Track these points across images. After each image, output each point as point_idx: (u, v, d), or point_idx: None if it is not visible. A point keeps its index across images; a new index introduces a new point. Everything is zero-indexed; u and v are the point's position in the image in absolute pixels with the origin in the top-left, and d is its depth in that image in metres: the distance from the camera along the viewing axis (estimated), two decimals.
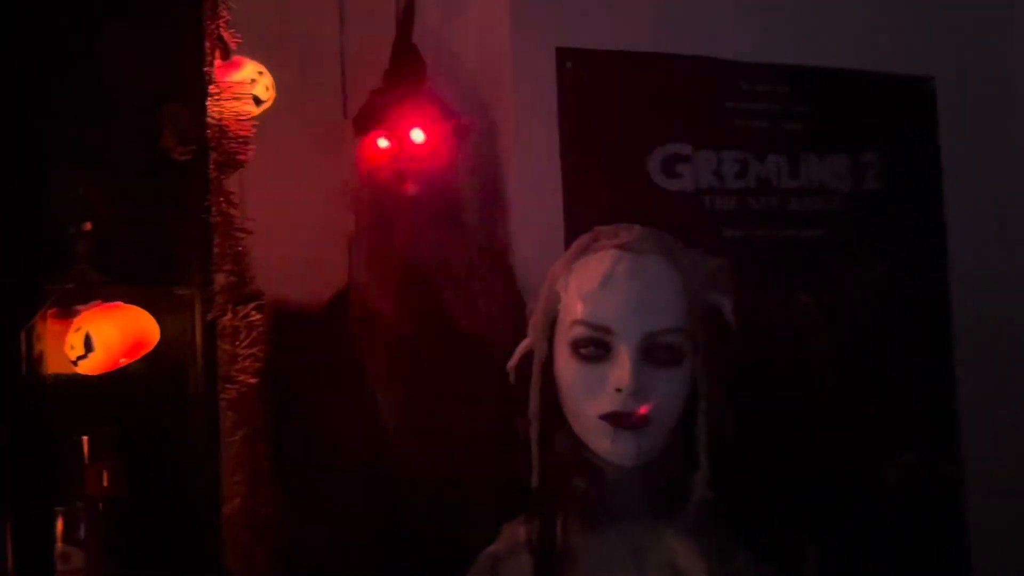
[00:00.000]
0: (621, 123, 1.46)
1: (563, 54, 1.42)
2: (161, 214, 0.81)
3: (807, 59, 1.59)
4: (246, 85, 0.90)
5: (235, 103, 0.87)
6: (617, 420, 0.90)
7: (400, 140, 1.29)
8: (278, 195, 1.22)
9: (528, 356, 1.01)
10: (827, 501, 1.47)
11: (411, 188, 1.29)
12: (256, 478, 0.85)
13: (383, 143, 1.30)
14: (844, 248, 1.63)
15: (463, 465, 1.22)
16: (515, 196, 1.40)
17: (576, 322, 0.93)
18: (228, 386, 0.83)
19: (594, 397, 0.92)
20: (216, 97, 0.85)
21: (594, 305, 0.93)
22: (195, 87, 0.82)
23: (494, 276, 1.35)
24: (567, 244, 1.39)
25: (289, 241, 1.22)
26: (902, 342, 1.69)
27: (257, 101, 0.92)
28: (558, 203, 1.41)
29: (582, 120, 1.43)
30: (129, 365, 0.75)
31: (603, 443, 0.92)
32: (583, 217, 1.39)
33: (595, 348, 0.92)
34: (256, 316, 0.85)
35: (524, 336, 1.09)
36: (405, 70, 1.34)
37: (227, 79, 0.87)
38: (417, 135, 1.30)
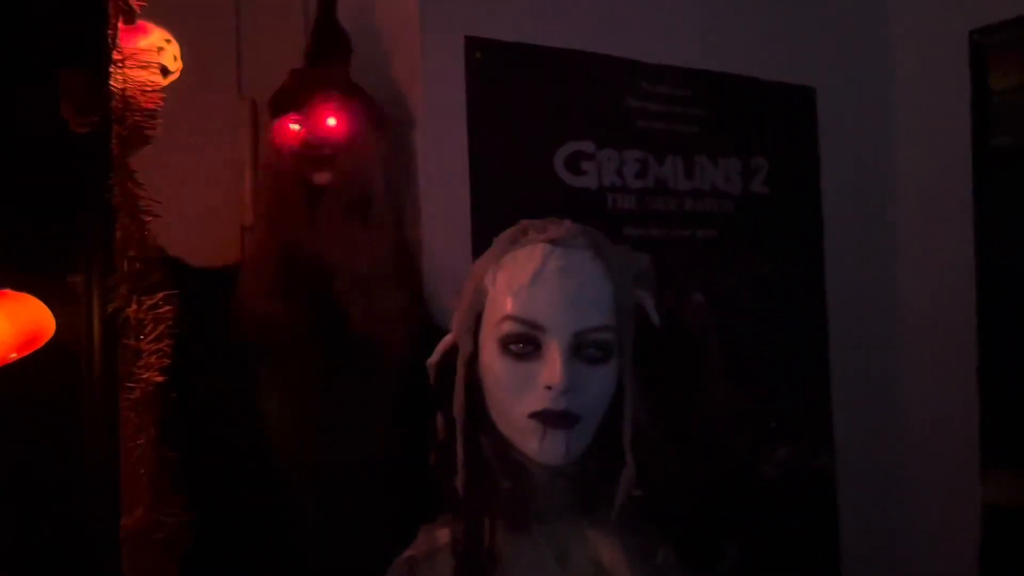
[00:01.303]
0: (529, 118, 1.44)
1: (473, 43, 1.39)
2: (57, 193, 0.72)
3: (705, 64, 1.63)
4: (153, 53, 0.81)
5: (141, 72, 0.78)
6: (547, 419, 0.88)
7: (313, 125, 1.22)
8: (166, 176, 1.12)
9: (450, 353, 0.97)
10: (720, 496, 1.52)
11: (321, 177, 1.22)
12: (161, 487, 0.77)
13: (295, 127, 1.23)
14: (734, 249, 1.68)
15: (369, 469, 1.17)
16: (424, 190, 1.35)
17: (506, 318, 0.91)
18: (130, 385, 0.75)
19: (523, 395, 0.89)
20: (120, 65, 0.76)
21: (525, 301, 0.90)
22: (97, 52, 0.73)
23: (400, 273, 1.30)
24: (475, 239, 1.38)
25: (177, 227, 1.12)
26: (782, 340, 1.77)
27: (164, 72, 0.84)
28: (466, 197, 1.38)
29: (491, 113, 1.40)
30: (19, 361, 0.66)
31: (532, 442, 0.90)
32: (491, 212, 1.38)
33: (525, 345, 0.90)
34: (164, 308, 0.78)
35: (428, 335, 1.06)
36: (327, 50, 1.27)
37: (132, 45, 0.78)
38: (332, 121, 1.23)
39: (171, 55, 0.85)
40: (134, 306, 0.76)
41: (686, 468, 1.00)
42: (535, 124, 1.45)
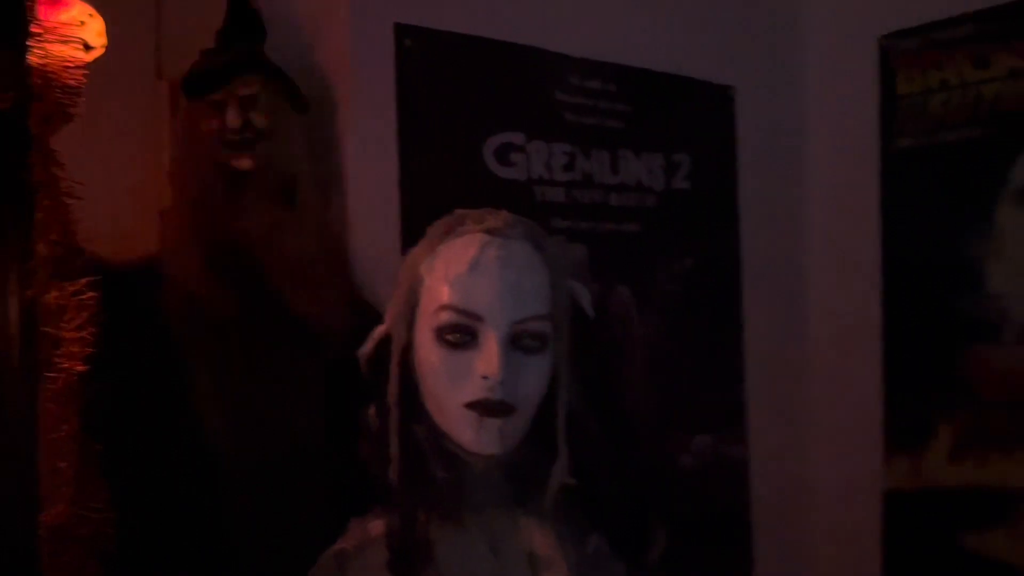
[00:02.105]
0: (459, 107, 1.44)
1: (402, 31, 1.37)
2: None
3: (630, 60, 1.66)
4: (74, 27, 0.77)
5: (62, 47, 0.74)
6: (483, 408, 0.88)
7: (231, 109, 1.18)
8: (81, 158, 1.07)
9: (384, 343, 0.96)
10: (645, 484, 1.55)
11: (241, 162, 1.19)
12: (83, 480, 0.73)
13: (212, 110, 1.18)
14: (656, 242, 1.72)
15: (300, 461, 1.14)
16: (351, 177, 1.33)
17: (442, 307, 0.90)
18: (51, 375, 0.71)
19: (459, 385, 0.89)
20: (39, 38, 0.72)
21: (462, 290, 0.90)
22: (14, 25, 0.69)
23: (328, 260, 1.28)
24: (404, 228, 1.36)
25: (93, 211, 1.07)
26: (700, 333, 1.82)
27: (87, 47, 0.80)
28: (394, 186, 1.37)
29: (420, 101, 1.39)
30: None
31: (467, 432, 0.90)
32: (420, 201, 1.36)
33: (461, 335, 0.89)
34: (87, 294, 0.74)
35: (359, 323, 1.05)
36: (241, 30, 1.23)
37: (52, 19, 0.74)
38: (251, 104, 1.19)
39: (94, 30, 0.81)
40: (54, 292, 0.72)
41: (618, 457, 1.01)
42: (465, 114, 1.45)
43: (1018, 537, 1.63)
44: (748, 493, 1.87)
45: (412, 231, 1.01)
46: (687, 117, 1.78)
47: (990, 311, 1.68)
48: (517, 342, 0.90)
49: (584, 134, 1.60)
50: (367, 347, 0.97)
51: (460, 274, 0.90)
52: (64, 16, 0.77)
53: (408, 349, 0.94)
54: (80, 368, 0.75)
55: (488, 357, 0.88)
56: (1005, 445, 1.66)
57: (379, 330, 0.97)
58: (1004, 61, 1.65)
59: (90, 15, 0.81)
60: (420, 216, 1.03)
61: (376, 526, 0.94)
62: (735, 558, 1.85)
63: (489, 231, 0.93)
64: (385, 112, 1.36)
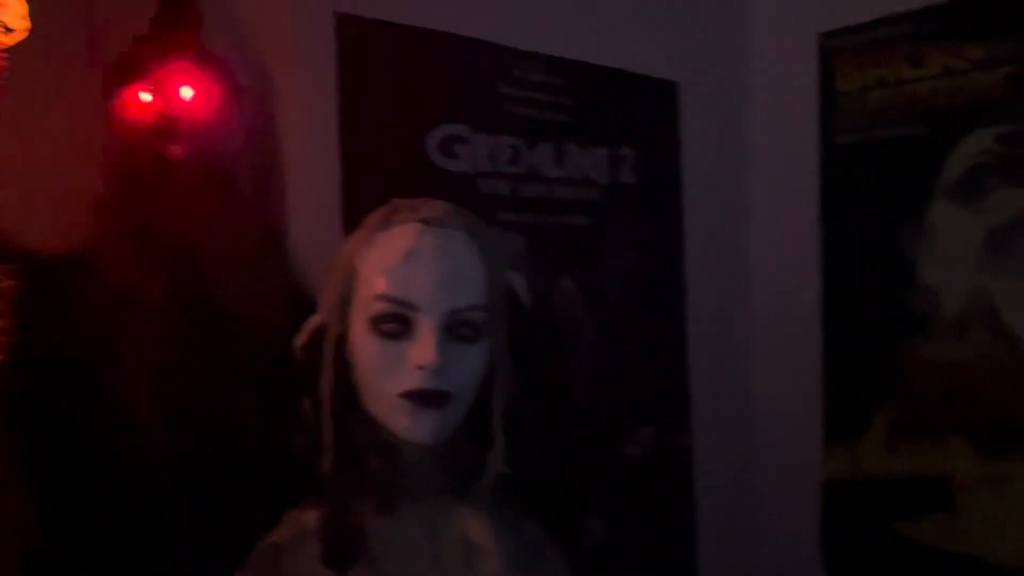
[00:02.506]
0: (402, 99, 1.43)
1: (344, 20, 1.36)
2: None
3: (575, 53, 1.66)
4: None
5: None
6: (419, 398, 0.88)
7: (167, 96, 1.16)
8: (8, 146, 1.04)
9: (319, 333, 0.95)
10: (586, 473, 1.56)
11: (176, 151, 1.16)
12: (3, 476, 0.71)
13: (146, 97, 1.16)
14: (602, 236, 1.73)
15: (232, 454, 1.13)
16: (291, 168, 1.32)
17: (377, 297, 0.90)
18: None
19: (394, 375, 0.89)
20: None
21: (398, 280, 0.90)
22: None
23: (265, 252, 1.26)
24: (345, 220, 1.35)
25: (20, 200, 1.05)
26: (645, 325, 1.83)
27: (7, 30, 0.77)
28: (335, 177, 1.36)
29: (362, 92, 1.38)
30: None
31: (402, 422, 0.90)
32: (362, 193, 1.35)
33: (397, 324, 0.89)
34: (5, 283, 0.71)
35: (296, 315, 1.04)
36: (176, 17, 1.20)
37: None
38: (186, 92, 1.17)
39: (16, 12, 0.79)
40: None
41: (555, 446, 1.02)
42: (408, 105, 1.44)
43: (951, 524, 1.68)
44: (692, 483, 1.90)
45: (353, 223, 1.00)
46: (632, 111, 1.79)
47: (924, 304, 1.72)
48: (453, 332, 0.90)
49: (529, 127, 1.60)
50: (301, 338, 0.96)
51: (395, 264, 0.90)
52: None
53: (343, 339, 0.93)
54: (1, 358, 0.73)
55: (424, 347, 0.88)
56: (938, 434, 1.70)
57: (313, 321, 0.96)
58: (938, 60, 1.69)
59: None
60: (362, 208, 1.03)
61: (310, 518, 0.93)
62: (679, 545, 1.88)
63: (425, 221, 0.92)
64: (326, 102, 1.35)
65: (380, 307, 0.90)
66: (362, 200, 1.27)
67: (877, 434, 1.80)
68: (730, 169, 1.97)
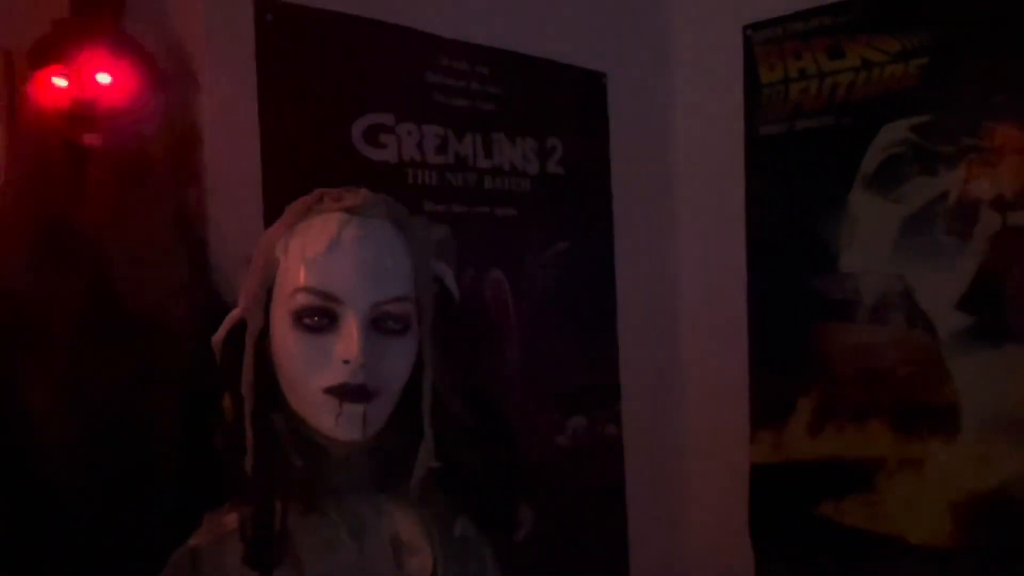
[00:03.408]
0: (325, 86, 1.39)
1: (263, 5, 1.32)
2: None
3: (503, 43, 1.65)
4: None
5: None
6: (343, 393, 0.86)
7: (83, 81, 1.10)
8: None
9: (239, 328, 0.92)
10: (517, 465, 1.56)
11: (91, 139, 1.11)
12: None
13: (60, 82, 1.10)
14: (531, 227, 1.72)
15: (148, 456, 1.08)
16: (210, 157, 1.27)
17: (299, 290, 0.87)
18: None
19: (318, 370, 0.86)
20: None
21: (320, 272, 0.86)
22: None
23: (181, 244, 1.22)
24: (266, 210, 1.31)
25: None
26: (575, 316, 1.84)
27: None
28: (256, 167, 1.31)
29: (283, 79, 1.34)
30: None
31: (327, 418, 0.87)
32: (284, 183, 1.31)
33: (320, 318, 0.86)
34: None
35: (215, 310, 1.00)
36: (96, 1, 1.14)
37: None
38: (103, 78, 1.11)
39: None
40: None
41: (486, 439, 1.00)
42: (331, 93, 1.40)
43: (870, 504, 1.73)
44: (623, 472, 1.91)
45: (275, 213, 0.96)
46: (560, 102, 1.79)
47: (844, 290, 1.76)
48: (379, 324, 0.88)
49: (456, 116, 1.58)
50: (219, 334, 0.93)
51: (317, 255, 0.87)
52: None
53: (264, 334, 0.90)
54: None
55: (348, 340, 0.85)
56: (858, 417, 1.75)
57: (232, 315, 0.93)
58: (857, 52, 1.74)
59: None
60: (283, 198, 0.99)
61: (231, 520, 0.89)
62: (611, 533, 1.89)
63: (348, 210, 0.89)
64: (245, 90, 1.30)
65: (302, 300, 0.86)
66: (284, 190, 1.23)
67: (801, 418, 1.84)
68: (657, 160, 1.98)
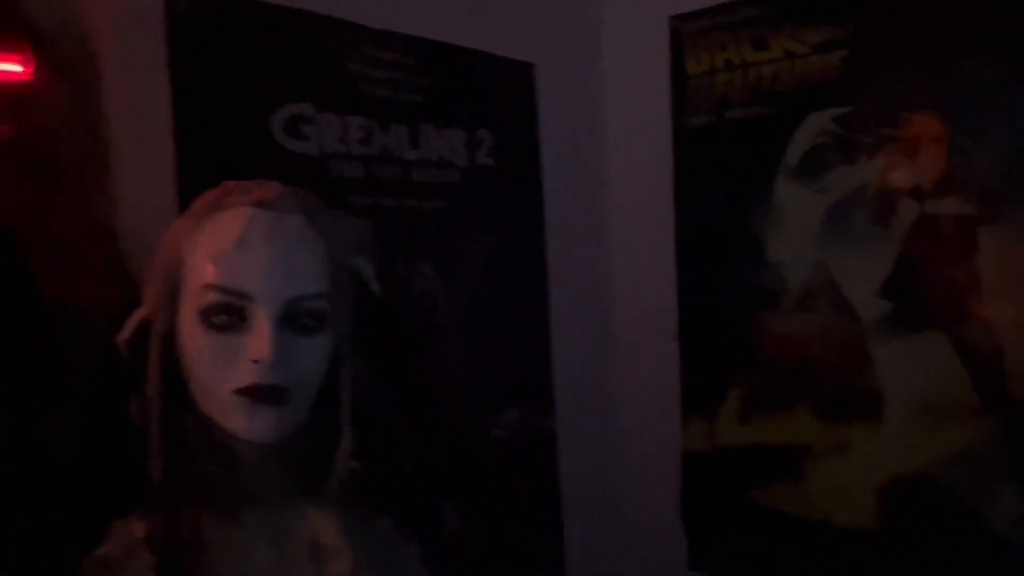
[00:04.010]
0: (241, 76, 1.35)
1: None
2: None
3: (429, 33, 1.62)
4: None
5: None
6: (255, 394, 0.83)
7: None
8: None
9: (144, 328, 0.88)
10: (451, 461, 1.54)
11: None
12: None
13: None
14: (461, 220, 1.70)
15: (53, 463, 1.03)
16: (120, 149, 1.21)
17: (207, 287, 0.83)
18: None
19: (228, 370, 0.83)
20: None
21: (228, 268, 0.83)
22: None
23: (92, 240, 1.17)
24: (180, 206, 1.26)
25: None
26: (508, 309, 1.82)
27: None
28: (169, 160, 1.26)
29: (197, 69, 1.29)
30: None
31: (238, 420, 0.84)
32: (198, 177, 1.26)
33: (229, 316, 0.83)
34: None
35: (126, 308, 0.96)
36: None
37: None
38: (5, 67, 1.05)
39: None
40: None
41: (408, 437, 0.98)
42: (249, 84, 1.36)
43: (798, 489, 1.76)
44: (557, 463, 1.91)
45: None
46: (489, 93, 1.77)
47: (771, 279, 1.79)
48: (292, 322, 0.85)
49: (381, 107, 1.55)
50: (124, 333, 0.88)
51: (225, 251, 0.84)
52: None
53: (171, 334, 0.86)
54: None
55: (258, 339, 0.82)
56: (786, 404, 1.78)
57: (138, 315, 0.89)
58: (780, 44, 1.75)
59: None
60: (198, 193, 0.95)
61: (139, 528, 0.86)
62: (546, 525, 1.89)
63: (257, 204, 0.86)
64: (156, 80, 1.25)
65: (209, 298, 0.83)
66: (198, 184, 1.17)
67: (731, 406, 1.86)
68: (587, 151, 1.98)
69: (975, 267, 1.52)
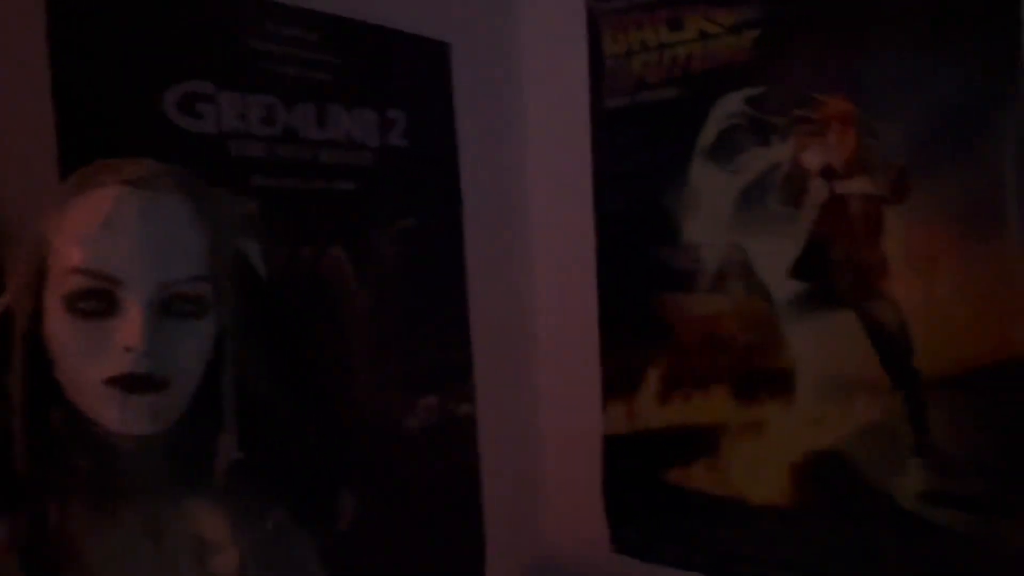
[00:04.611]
0: (130, 52, 1.28)
1: None
2: None
3: (337, 8, 1.57)
4: None
5: None
6: (128, 384, 0.78)
7: None
8: None
9: (5, 316, 0.82)
10: (363, 449, 1.50)
11: None
12: None
13: None
14: (374, 202, 1.66)
15: None
16: None
17: (72, 271, 0.78)
18: None
19: (98, 359, 0.78)
20: None
21: (95, 251, 0.78)
22: None
23: None
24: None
25: None
26: (424, 293, 1.79)
27: None
28: (50, 141, 1.19)
29: (80, 44, 1.22)
30: None
31: (111, 412, 0.79)
32: (84, 159, 1.18)
33: (97, 302, 0.78)
34: None
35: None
36: None
37: None
38: None
39: None
40: None
41: (301, 426, 0.95)
42: (139, 60, 1.29)
43: (715, 468, 1.78)
44: (477, 449, 1.89)
45: None
46: (401, 72, 1.72)
47: (688, 261, 1.79)
48: (169, 307, 0.80)
49: (285, 86, 1.49)
50: None
51: (92, 232, 0.78)
52: None
53: (36, 322, 0.81)
54: None
55: (130, 326, 0.77)
56: (703, 385, 1.79)
57: (1, 302, 0.83)
58: (695, 24, 1.75)
59: None
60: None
61: (3, 529, 0.80)
62: (466, 512, 1.87)
63: (128, 182, 0.81)
64: (34, 54, 1.18)
65: (76, 282, 0.78)
66: (85, 164, 1.14)
67: (650, 388, 1.87)
68: (505, 132, 1.95)
69: (882, 246, 1.54)
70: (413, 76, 1.75)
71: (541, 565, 2.01)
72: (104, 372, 0.78)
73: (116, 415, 0.79)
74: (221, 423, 0.87)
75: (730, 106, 1.71)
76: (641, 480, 1.89)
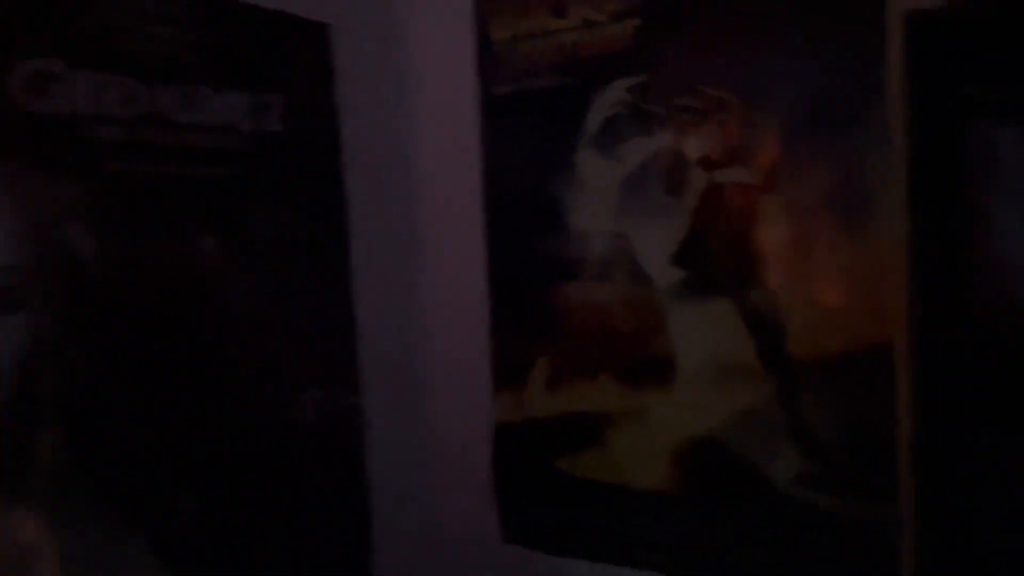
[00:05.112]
0: None
1: None
2: None
3: None
4: None
5: None
6: None
7: None
8: None
9: None
10: (243, 445, 1.45)
11: None
12: None
13: None
14: (249, 189, 1.60)
15: None
16: None
17: None
18: None
19: None
20: None
21: None
22: None
23: None
24: None
25: None
26: (306, 283, 1.74)
27: None
28: None
29: None
30: None
31: None
32: None
33: None
34: None
35: None
36: None
37: None
38: None
39: None
40: None
41: (135, 423, 0.90)
42: None
43: (601, 456, 1.79)
44: (363, 442, 1.85)
45: None
46: (278, 54, 1.67)
47: (575, 250, 1.79)
48: None
49: (148, 66, 1.42)
50: None
51: None
52: None
53: None
54: None
55: None
56: (590, 373, 1.79)
57: None
58: (579, 12, 1.74)
59: None
60: None
61: None
62: (352, 505, 1.84)
63: None
64: None
65: None
66: None
67: (539, 377, 1.86)
68: (391, 118, 1.91)
69: (756, 235, 1.57)
70: (290, 58, 1.70)
71: (432, 557, 1.99)
72: None
73: None
74: (43, 424, 0.81)
75: (613, 95, 1.71)
76: (531, 469, 1.89)
